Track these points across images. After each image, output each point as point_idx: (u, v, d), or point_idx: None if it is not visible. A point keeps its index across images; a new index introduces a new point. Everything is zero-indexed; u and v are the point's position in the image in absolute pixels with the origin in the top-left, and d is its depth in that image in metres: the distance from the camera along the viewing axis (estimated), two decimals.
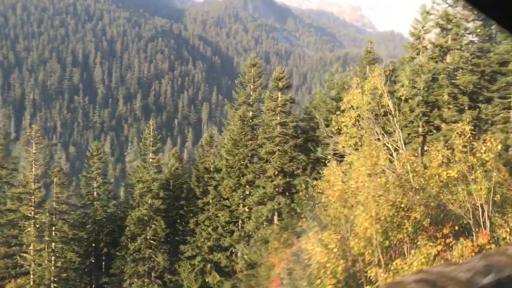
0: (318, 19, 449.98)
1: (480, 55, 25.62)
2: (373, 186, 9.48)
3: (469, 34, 26.23)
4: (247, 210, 27.67)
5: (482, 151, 10.31)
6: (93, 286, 29.11)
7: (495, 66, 25.42)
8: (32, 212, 25.51)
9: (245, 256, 26.88)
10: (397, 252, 9.49)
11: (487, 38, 26.34)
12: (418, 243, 8.95)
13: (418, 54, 28.88)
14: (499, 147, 10.63)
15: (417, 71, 25.83)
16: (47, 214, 25.40)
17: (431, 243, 8.69)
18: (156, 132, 32.40)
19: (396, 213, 9.29)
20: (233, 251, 27.81)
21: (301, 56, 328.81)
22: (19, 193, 25.92)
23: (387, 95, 13.54)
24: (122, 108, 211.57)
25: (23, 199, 25.76)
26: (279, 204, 26.21)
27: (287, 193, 26.66)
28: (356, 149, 13.48)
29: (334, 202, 10.71)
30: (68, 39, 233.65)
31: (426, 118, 25.82)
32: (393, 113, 13.23)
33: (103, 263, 30.41)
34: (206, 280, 27.34)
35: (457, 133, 11.96)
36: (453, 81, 25.46)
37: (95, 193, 31.15)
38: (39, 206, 25.72)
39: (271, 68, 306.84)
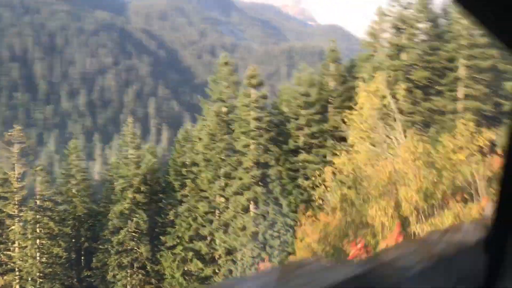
0: (262, 12, 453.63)
1: (431, 53, 28.70)
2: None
3: (421, 33, 29.24)
4: (223, 200, 29.46)
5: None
6: (74, 280, 29.81)
7: (445, 62, 28.61)
8: (16, 211, 25.96)
9: (223, 244, 28.73)
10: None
11: (437, 37, 29.49)
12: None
13: (375, 51, 31.74)
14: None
15: (377, 68, 28.55)
16: (32, 212, 25.94)
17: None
18: (135, 129, 33.27)
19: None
20: (213, 239, 29.54)
21: (247, 49, 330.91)
22: (3, 192, 26.27)
23: (390, 97, 15.79)
24: (65, 105, 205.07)
25: (8, 198, 26.15)
26: (256, 193, 28.23)
27: (263, 183, 28.72)
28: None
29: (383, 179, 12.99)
30: (3, 33, 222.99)
31: (385, 112, 28.62)
32: (395, 111, 15.49)
33: (82, 257, 31.12)
34: (187, 268, 28.91)
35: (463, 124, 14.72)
36: (408, 76, 28.43)
37: (73, 189, 31.73)
38: (23, 204, 26.20)
39: (217, 61, 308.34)
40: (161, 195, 32.02)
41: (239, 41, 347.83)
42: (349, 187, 15.67)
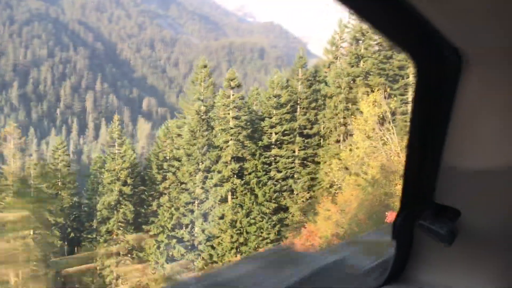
0: (201, 6, 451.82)
1: (385, 61, 33.21)
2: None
3: (376, 44, 33.65)
4: (203, 191, 32.36)
5: None
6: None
7: (396, 70, 33.26)
8: (12, 202, 27.30)
9: (204, 231, 31.78)
10: None
11: (389, 48, 34.04)
12: None
13: (336, 59, 35.90)
14: None
15: (340, 75, 32.64)
16: (30, 204, 27.41)
17: None
18: (120, 127, 35.10)
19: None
20: (193, 227, 32.36)
21: (187, 44, 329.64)
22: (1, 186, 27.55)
23: (387, 106, 19.60)
24: None
25: (5, 190, 27.44)
26: (234, 184, 31.45)
27: (240, 175, 31.98)
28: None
29: None
30: None
31: (347, 110, 32.84)
32: (389, 117, 19.30)
33: (67, 246, 32.73)
34: (171, 254, 31.53)
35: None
36: (366, 82, 32.75)
37: (59, 183, 33.13)
38: (19, 197, 27.59)
39: (157, 55, 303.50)
40: (143, 188, 34.28)
41: (179, 35, 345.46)
42: (355, 174, 19.28)
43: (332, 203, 18.33)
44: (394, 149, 18.16)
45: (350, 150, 20.09)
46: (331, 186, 24.36)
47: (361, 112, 20.97)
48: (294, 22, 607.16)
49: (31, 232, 27.42)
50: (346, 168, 20.71)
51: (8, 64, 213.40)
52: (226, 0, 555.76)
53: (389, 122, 20.08)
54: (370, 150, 18.83)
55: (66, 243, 32.47)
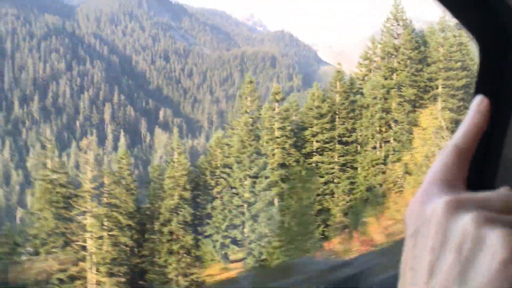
0: (212, 17, 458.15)
1: (416, 74, 36.41)
2: None
3: (408, 58, 36.88)
4: (252, 195, 35.68)
5: None
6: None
7: (427, 82, 36.45)
8: (89, 207, 30.81)
9: (255, 230, 35.07)
10: None
11: (419, 61, 37.33)
12: None
13: (369, 71, 39.22)
14: None
15: (375, 87, 35.90)
16: (103, 208, 30.92)
17: None
18: (179, 138, 38.48)
19: None
20: (244, 227, 35.64)
21: (200, 55, 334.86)
22: (80, 192, 31.05)
23: (441, 118, 22.87)
24: (18, 111, 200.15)
25: (83, 196, 30.92)
26: (282, 188, 34.77)
27: (286, 180, 35.28)
28: None
29: None
30: None
31: (384, 120, 36.04)
32: (443, 126, 22.53)
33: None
34: (225, 252, 34.78)
35: None
36: (399, 93, 35.96)
37: (125, 189, 36.53)
38: (94, 201, 31.13)
39: (171, 67, 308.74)
40: (198, 192, 37.57)
41: (191, 46, 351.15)
42: (416, 175, 22.43)
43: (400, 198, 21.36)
44: None
45: (411, 154, 23.08)
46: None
47: (410, 123, 23.98)
48: (303, 30, 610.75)
49: (107, 234, 30.94)
50: (406, 172, 23.74)
51: (28, 78, 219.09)
52: (235, 10, 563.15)
53: (444, 130, 23.19)
54: (430, 153, 21.77)
55: (134, 243, 35.90)
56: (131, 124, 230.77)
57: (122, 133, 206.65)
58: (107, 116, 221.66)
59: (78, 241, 30.94)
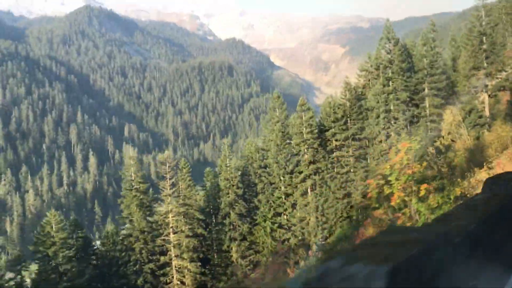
0: (163, 30, 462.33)
1: (408, 81, 46.40)
2: None
3: (400, 69, 46.78)
4: (290, 188, 44.43)
5: None
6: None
7: (416, 86, 46.59)
8: (171, 206, 38.28)
9: (296, 216, 43.93)
10: None
11: (407, 70, 47.35)
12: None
13: (369, 81, 49.02)
14: None
15: (377, 93, 45.64)
16: (182, 206, 38.50)
17: None
18: (229, 147, 46.27)
19: None
20: (287, 214, 44.32)
21: (157, 68, 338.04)
22: (163, 196, 38.50)
23: (460, 117, 32.22)
24: None
25: (164, 199, 38.32)
26: (314, 180, 43.86)
27: (317, 173, 44.38)
28: None
29: None
30: None
31: (386, 118, 45.76)
32: (460, 121, 31.88)
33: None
34: (274, 235, 43.11)
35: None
36: (396, 96, 45.86)
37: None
38: (172, 203, 38.64)
39: (130, 82, 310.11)
40: (245, 190, 45.53)
41: (147, 60, 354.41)
42: None
43: None
44: (466, 141, 30.61)
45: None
46: None
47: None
48: (254, 37, 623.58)
49: (187, 227, 38.79)
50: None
51: None
52: (183, 22, 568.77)
53: (461, 125, 32.62)
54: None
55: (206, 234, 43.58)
56: (98, 142, 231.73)
57: (91, 152, 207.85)
58: (73, 136, 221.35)
59: (164, 235, 38.42)
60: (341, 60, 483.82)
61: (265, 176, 44.99)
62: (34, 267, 36.61)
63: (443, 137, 31.72)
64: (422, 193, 17.30)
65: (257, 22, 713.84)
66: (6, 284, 33.23)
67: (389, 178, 17.89)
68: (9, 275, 34.52)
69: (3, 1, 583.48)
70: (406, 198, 17.65)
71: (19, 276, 34.53)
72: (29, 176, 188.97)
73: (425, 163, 20.19)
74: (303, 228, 43.64)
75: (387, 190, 17.21)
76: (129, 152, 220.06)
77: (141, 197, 39.20)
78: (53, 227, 34.56)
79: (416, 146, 19.93)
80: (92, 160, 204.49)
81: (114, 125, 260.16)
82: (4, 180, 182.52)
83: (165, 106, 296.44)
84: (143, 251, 38.14)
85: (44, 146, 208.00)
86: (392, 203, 18.51)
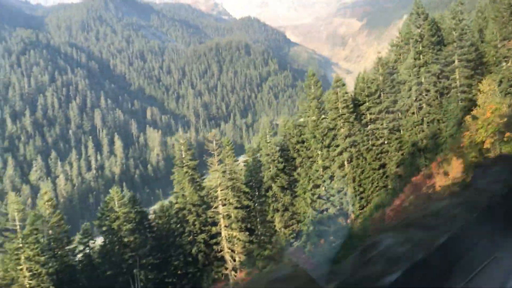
0: (178, 12, 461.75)
1: (438, 54, 48.01)
2: None
3: (431, 43, 48.39)
4: (327, 161, 46.92)
5: None
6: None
7: (446, 58, 48.21)
8: (220, 181, 41.39)
9: (334, 187, 46.53)
10: None
11: (437, 43, 48.92)
12: None
13: (400, 55, 50.77)
14: None
15: (409, 66, 47.43)
16: (230, 181, 41.59)
17: None
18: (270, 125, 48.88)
19: None
20: (326, 186, 46.99)
21: (175, 50, 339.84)
22: (212, 171, 41.75)
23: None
24: (11, 128, 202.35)
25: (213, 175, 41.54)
26: (351, 152, 46.29)
27: (353, 146, 46.79)
28: None
29: None
30: None
31: (418, 91, 47.60)
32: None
33: None
34: (314, 206, 45.86)
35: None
36: (427, 69, 47.61)
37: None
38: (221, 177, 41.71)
39: (149, 66, 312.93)
40: (285, 164, 48.22)
41: (165, 43, 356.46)
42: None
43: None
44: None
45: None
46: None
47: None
48: (267, 14, 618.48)
49: (235, 200, 41.77)
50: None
51: (15, 95, 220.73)
52: (198, 3, 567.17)
53: (496, 94, 34.40)
54: None
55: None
56: (122, 126, 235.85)
57: (116, 136, 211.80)
58: (98, 121, 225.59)
59: (214, 207, 41.43)
60: (358, 33, 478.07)
61: (303, 151, 47.54)
62: (98, 240, 40.06)
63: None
64: (506, 138, 22.79)
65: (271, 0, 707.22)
66: (78, 256, 36.75)
67: (480, 130, 23.11)
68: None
69: None
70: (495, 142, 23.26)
71: (87, 248, 38.02)
72: (59, 162, 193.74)
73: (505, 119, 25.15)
74: (341, 198, 46.24)
75: (478, 138, 22.71)
76: (154, 134, 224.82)
77: (191, 173, 42.17)
78: (116, 203, 37.79)
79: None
80: (118, 144, 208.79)
81: (137, 108, 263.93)
82: (35, 166, 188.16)
83: (185, 88, 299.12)
84: (196, 223, 41.29)
85: (70, 132, 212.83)
86: (484, 147, 23.87)
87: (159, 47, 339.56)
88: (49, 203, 36.98)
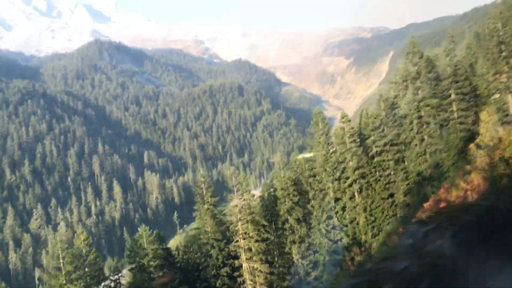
0: (170, 57, 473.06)
1: (435, 88, 51.86)
2: None
3: (427, 79, 52.30)
4: (339, 193, 49.86)
5: None
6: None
7: (443, 92, 51.99)
8: (240, 215, 43.83)
9: (346, 217, 49.04)
10: None
11: (434, 79, 52.85)
12: None
13: (399, 91, 54.61)
14: None
15: (409, 102, 51.13)
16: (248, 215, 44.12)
17: None
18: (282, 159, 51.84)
19: None
20: (338, 217, 49.63)
21: (169, 94, 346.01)
22: (233, 207, 44.19)
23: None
24: (10, 177, 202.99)
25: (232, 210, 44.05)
26: (361, 183, 49.29)
27: (362, 177, 49.93)
28: None
29: None
30: None
31: (419, 124, 51.07)
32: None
33: None
34: (329, 236, 48.36)
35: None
36: (426, 103, 51.27)
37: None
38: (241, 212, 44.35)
39: (144, 110, 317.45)
40: (299, 197, 50.98)
41: (159, 88, 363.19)
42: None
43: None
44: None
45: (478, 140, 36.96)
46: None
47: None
48: (257, 56, 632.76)
49: (255, 233, 44.13)
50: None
51: (14, 144, 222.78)
52: (189, 47, 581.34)
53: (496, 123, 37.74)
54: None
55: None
56: (120, 171, 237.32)
57: (115, 181, 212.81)
58: (96, 167, 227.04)
59: (235, 241, 43.65)
60: (347, 71, 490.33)
61: (315, 184, 50.39)
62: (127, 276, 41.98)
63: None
64: None
65: (260, 42, 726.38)
66: None
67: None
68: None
69: (12, 43, 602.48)
70: None
71: (118, 285, 39.91)
72: (59, 209, 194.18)
73: None
74: (354, 228, 48.79)
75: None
76: (152, 178, 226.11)
77: (212, 209, 44.69)
78: (145, 240, 40.02)
79: None
80: (117, 189, 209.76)
81: (134, 153, 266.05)
82: (35, 214, 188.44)
83: (181, 131, 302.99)
84: (219, 257, 43.43)
85: (69, 179, 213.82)
86: None
87: (154, 91, 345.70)
88: (86, 242, 39.06)
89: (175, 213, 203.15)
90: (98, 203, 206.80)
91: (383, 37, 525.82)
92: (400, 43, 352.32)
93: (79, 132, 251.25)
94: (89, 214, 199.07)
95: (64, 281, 30.56)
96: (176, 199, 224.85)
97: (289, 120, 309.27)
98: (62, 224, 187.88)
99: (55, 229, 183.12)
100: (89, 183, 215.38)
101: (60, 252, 31.08)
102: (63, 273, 30.69)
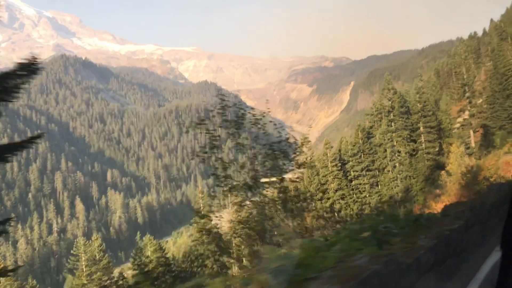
0: (136, 75, 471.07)
1: (406, 120, 58.53)
2: None
3: (400, 113, 58.93)
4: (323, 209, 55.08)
5: None
6: None
7: (413, 125, 58.76)
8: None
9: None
10: None
11: (405, 113, 59.61)
12: None
13: (374, 123, 61.15)
14: None
15: (383, 132, 57.54)
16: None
17: None
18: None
19: None
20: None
21: (134, 113, 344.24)
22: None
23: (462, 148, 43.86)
24: None
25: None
26: (340, 203, 54.89)
27: (341, 199, 55.51)
28: None
29: None
30: None
31: (392, 153, 57.44)
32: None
33: None
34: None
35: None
36: (399, 134, 57.85)
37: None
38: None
39: (108, 128, 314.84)
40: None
41: (124, 106, 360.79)
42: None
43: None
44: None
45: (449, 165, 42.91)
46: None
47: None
48: (222, 79, 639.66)
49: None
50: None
51: None
52: (154, 67, 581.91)
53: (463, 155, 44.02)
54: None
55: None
56: (82, 189, 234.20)
57: (78, 199, 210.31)
58: (59, 184, 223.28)
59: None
60: (309, 98, 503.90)
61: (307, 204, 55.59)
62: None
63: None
64: None
65: (225, 65, 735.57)
66: None
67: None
68: None
69: None
70: None
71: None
72: (19, 226, 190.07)
73: None
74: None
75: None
76: (115, 197, 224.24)
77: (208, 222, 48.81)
78: (149, 249, 43.58)
79: None
80: (79, 207, 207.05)
81: (97, 171, 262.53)
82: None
83: (145, 150, 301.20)
84: (214, 266, 47.32)
85: (30, 195, 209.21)
86: None
87: (119, 109, 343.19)
88: (100, 248, 42.17)
89: (138, 233, 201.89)
90: (59, 220, 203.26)
91: (345, 67, 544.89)
92: (361, 73, 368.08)
93: (41, 148, 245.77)
94: (50, 232, 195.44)
95: (85, 281, 33.91)
96: (140, 219, 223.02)
97: (254, 144, 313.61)
98: (22, 240, 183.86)
99: (14, 246, 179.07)
100: (51, 200, 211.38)
101: (83, 255, 34.43)
102: (85, 274, 34.06)
